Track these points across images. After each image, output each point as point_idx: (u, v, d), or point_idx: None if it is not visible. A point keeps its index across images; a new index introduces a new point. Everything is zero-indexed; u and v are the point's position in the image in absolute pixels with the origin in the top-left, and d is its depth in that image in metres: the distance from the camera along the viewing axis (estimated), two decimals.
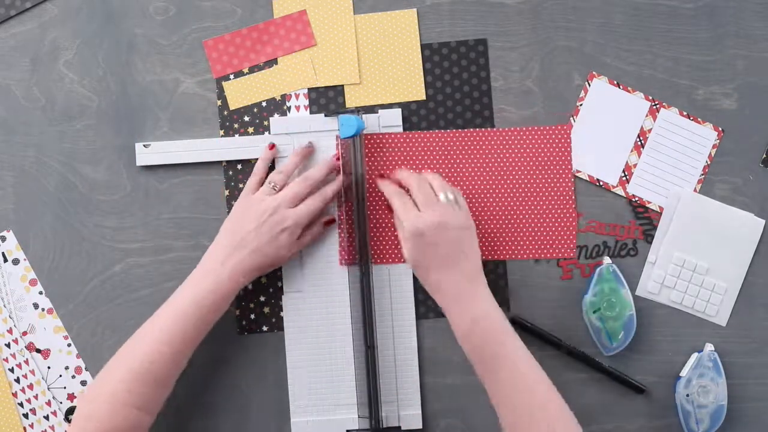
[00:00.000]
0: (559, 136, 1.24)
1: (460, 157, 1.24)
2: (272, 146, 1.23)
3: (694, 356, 1.23)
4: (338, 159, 1.22)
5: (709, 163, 1.25)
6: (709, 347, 1.23)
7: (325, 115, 1.24)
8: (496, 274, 1.24)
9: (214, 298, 1.12)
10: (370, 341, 1.21)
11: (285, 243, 1.16)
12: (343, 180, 1.22)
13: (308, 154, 1.23)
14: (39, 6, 1.26)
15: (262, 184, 1.20)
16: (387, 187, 1.19)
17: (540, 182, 1.24)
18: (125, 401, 1.08)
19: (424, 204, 1.13)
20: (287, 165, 1.21)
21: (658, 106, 1.25)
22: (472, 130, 1.24)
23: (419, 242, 1.12)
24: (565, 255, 1.24)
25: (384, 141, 1.24)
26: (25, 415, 1.24)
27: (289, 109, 1.25)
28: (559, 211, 1.24)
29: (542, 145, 1.24)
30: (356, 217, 1.21)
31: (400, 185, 1.19)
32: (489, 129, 1.24)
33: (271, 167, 1.23)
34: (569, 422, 1.08)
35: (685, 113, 1.25)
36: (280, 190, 1.19)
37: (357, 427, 1.22)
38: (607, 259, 1.24)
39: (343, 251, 1.24)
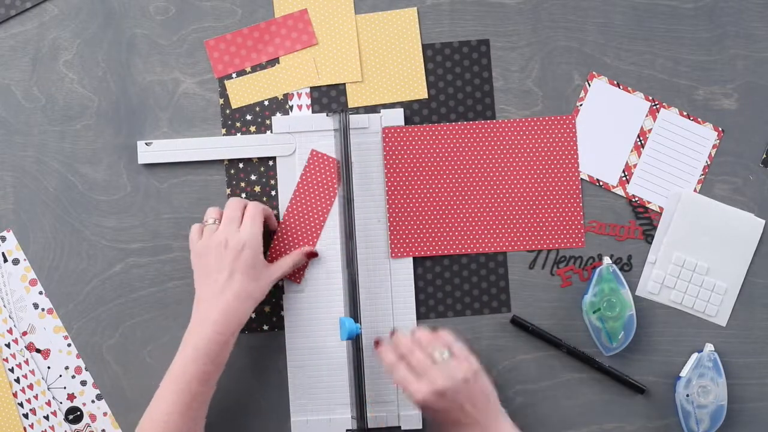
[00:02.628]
0: (564, 126, 1.24)
1: (467, 149, 1.24)
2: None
3: (694, 356, 1.23)
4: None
5: (709, 163, 1.25)
6: (709, 347, 1.23)
7: (327, 115, 1.24)
8: (497, 275, 1.24)
9: (206, 359, 1.11)
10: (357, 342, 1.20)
11: (252, 261, 1.15)
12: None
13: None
14: (39, 6, 1.26)
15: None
16: (386, 358, 1.14)
17: (547, 173, 1.24)
18: None
19: (419, 374, 1.10)
20: (213, 208, 1.20)
21: (658, 106, 1.25)
22: (477, 122, 1.24)
23: (429, 412, 1.11)
24: (573, 245, 1.24)
25: (394, 135, 1.24)
26: (25, 415, 1.24)
27: (291, 108, 1.25)
28: (566, 202, 1.24)
29: (548, 136, 1.24)
30: (345, 218, 1.21)
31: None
32: (495, 120, 1.24)
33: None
34: None
35: (685, 113, 1.26)
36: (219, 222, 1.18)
37: (358, 427, 1.22)
38: (606, 260, 1.24)
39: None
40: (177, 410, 1.10)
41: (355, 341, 1.17)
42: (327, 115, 1.24)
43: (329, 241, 1.24)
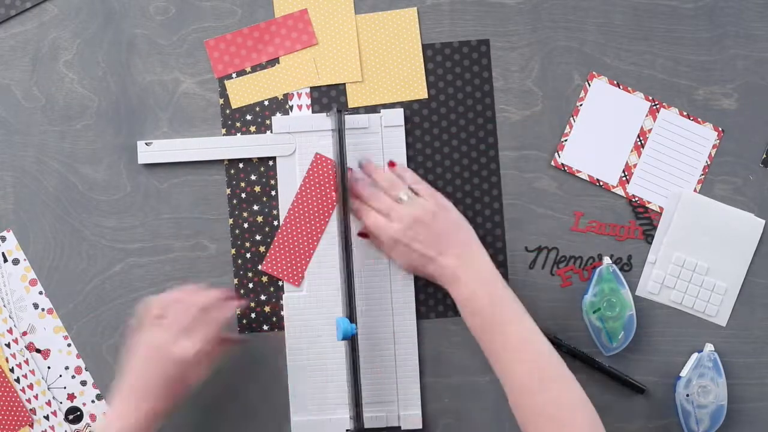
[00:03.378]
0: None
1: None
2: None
3: (694, 356, 1.23)
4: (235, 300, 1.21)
5: (709, 163, 1.25)
6: (709, 347, 1.23)
7: (327, 115, 1.24)
8: None
9: None
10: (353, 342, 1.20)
11: (179, 377, 1.11)
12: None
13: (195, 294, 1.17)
14: (39, 6, 1.26)
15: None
16: (362, 192, 1.21)
17: None
18: None
19: (387, 215, 1.17)
20: (167, 295, 1.16)
21: (658, 106, 1.25)
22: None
23: (399, 248, 1.17)
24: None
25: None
26: None
27: (291, 108, 1.25)
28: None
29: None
30: (341, 218, 1.21)
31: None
32: None
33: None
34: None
35: (685, 113, 1.26)
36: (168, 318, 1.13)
37: (358, 426, 1.22)
38: (606, 260, 1.24)
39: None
40: None
41: (351, 341, 1.17)
42: (327, 115, 1.24)
43: (330, 241, 1.24)
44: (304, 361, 1.24)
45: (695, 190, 1.25)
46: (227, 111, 1.25)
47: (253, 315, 1.24)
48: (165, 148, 1.24)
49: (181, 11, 1.26)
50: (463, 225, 1.18)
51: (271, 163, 1.25)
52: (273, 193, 1.25)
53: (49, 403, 1.24)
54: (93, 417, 1.24)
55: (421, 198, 1.19)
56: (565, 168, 1.25)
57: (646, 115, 1.26)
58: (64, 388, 1.24)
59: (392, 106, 1.25)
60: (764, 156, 1.25)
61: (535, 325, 1.12)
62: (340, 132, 1.19)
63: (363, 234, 1.23)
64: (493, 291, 1.13)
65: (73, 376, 1.24)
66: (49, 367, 1.25)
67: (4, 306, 1.25)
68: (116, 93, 1.26)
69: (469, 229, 1.18)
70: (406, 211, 1.17)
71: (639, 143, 1.25)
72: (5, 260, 1.25)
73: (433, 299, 1.24)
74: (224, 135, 1.25)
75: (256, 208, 1.25)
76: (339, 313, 1.23)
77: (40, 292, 1.25)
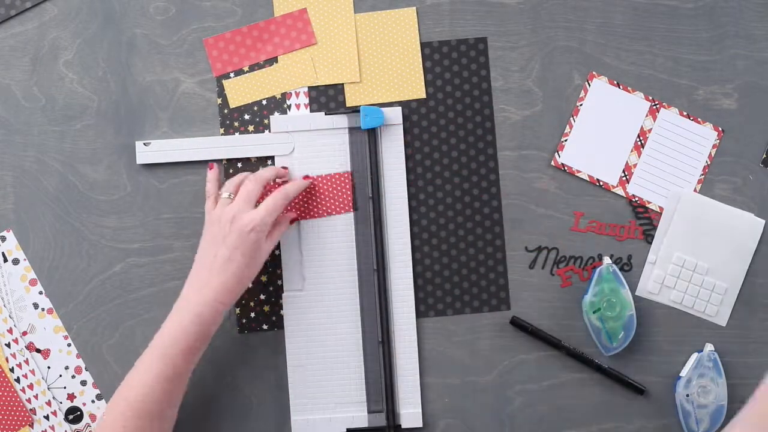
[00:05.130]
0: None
1: None
2: (212, 166, 1.22)
3: (694, 356, 1.23)
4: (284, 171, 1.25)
5: (709, 163, 1.25)
6: (709, 347, 1.23)
7: (326, 114, 1.24)
8: (496, 273, 1.24)
9: (198, 330, 1.11)
10: (383, 336, 1.23)
11: (254, 245, 1.15)
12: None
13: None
14: (39, 6, 1.26)
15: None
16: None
17: None
18: None
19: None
20: (238, 175, 1.21)
21: (658, 106, 1.25)
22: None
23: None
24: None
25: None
26: None
27: (289, 107, 1.25)
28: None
29: None
30: (372, 216, 1.22)
31: None
32: None
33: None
34: None
35: (685, 113, 1.26)
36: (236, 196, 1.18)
37: (358, 425, 1.22)
38: (606, 260, 1.24)
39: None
40: (159, 382, 1.09)
41: (381, 340, 1.20)
42: (325, 114, 1.24)
43: (330, 240, 1.24)
44: (304, 361, 1.24)
45: (695, 190, 1.25)
46: (225, 110, 1.25)
47: (252, 314, 1.24)
48: (163, 149, 1.24)
49: (181, 11, 1.26)
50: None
51: (269, 162, 1.25)
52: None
53: (49, 403, 1.24)
54: (93, 417, 1.24)
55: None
56: (565, 168, 1.25)
57: (646, 115, 1.26)
58: (64, 388, 1.24)
59: (390, 105, 1.25)
60: (764, 156, 1.25)
61: None
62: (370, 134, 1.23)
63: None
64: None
65: (73, 376, 1.24)
66: (49, 367, 1.25)
67: (4, 306, 1.25)
68: (116, 93, 1.26)
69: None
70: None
71: (639, 143, 1.25)
72: (5, 260, 1.25)
73: (433, 297, 1.24)
74: (222, 134, 1.25)
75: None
76: (339, 312, 1.23)
77: (40, 292, 1.25)
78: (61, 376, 1.24)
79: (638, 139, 1.25)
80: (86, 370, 1.25)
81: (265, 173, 1.20)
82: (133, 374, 1.11)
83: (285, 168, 1.24)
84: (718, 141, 1.25)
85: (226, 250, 1.13)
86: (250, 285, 1.24)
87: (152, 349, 1.11)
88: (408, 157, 1.25)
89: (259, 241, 1.15)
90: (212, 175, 1.21)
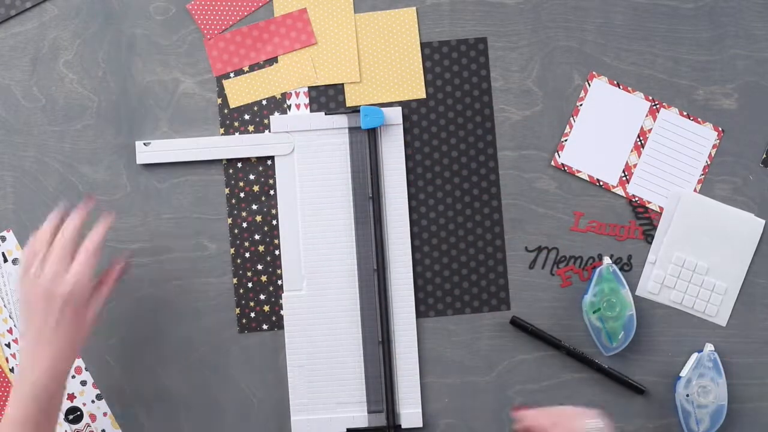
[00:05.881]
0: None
1: None
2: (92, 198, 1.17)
3: (694, 356, 1.23)
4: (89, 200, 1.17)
5: (709, 163, 1.25)
6: (709, 347, 1.23)
7: (326, 114, 1.24)
8: (496, 273, 1.24)
9: (44, 399, 1.06)
10: (383, 336, 1.23)
11: (77, 310, 1.09)
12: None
13: (65, 216, 1.14)
14: (39, 6, 1.26)
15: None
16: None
17: None
18: None
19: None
20: (43, 230, 1.12)
21: (658, 106, 1.25)
22: None
23: None
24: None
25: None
26: None
27: (289, 107, 1.25)
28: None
29: None
30: (372, 216, 1.22)
31: None
32: None
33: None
34: None
35: (685, 113, 1.26)
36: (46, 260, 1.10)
37: (359, 425, 1.22)
38: (606, 260, 1.24)
39: None
40: None
41: (381, 340, 1.19)
42: (325, 114, 1.24)
43: (330, 240, 1.24)
44: (304, 361, 1.24)
45: (695, 190, 1.25)
46: (225, 110, 1.25)
47: (252, 315, 1.24)
48: (163, 149, 1.24)
49: (181, 11, 1.26)
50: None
51: (269, 162, 1.25)
52: (272, 192, 1.25)
53: None
54: (93, 417, 1.24)
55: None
56: (565, 168, 1.25)
57: (646, 115, 1.26)
58: (64, 388, 1.24)
59: (390, 105, 1.25)
60: (764, 156, 1.25)
61: None
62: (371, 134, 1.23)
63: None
64: None
65: (73, 376, 1.24)
66: None
67: (4, 306, 1.25)
68: (116, 93, 1.26)
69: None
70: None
71: (639, 143, 1.25)
72: (5, 260, 1.25)
73: (432, 297, 1.24)
74: (222, 135, 1.25)
75: (254, 207, 1.25)
76: (339, 312, 1.23)
77: None
78: None
79: (638, 139, 1.25)
80: (86, 370, 1.25)
81: (71, 225, 1.12)
82: None
83: (91, 198, 1.17)
84: (718, 141, 1.25)
85: (52, 319, 1.07)
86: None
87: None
88: (408, 157, 1.25)
89: (79, 306, 1.09)
90: (44, 234, 1.12)
